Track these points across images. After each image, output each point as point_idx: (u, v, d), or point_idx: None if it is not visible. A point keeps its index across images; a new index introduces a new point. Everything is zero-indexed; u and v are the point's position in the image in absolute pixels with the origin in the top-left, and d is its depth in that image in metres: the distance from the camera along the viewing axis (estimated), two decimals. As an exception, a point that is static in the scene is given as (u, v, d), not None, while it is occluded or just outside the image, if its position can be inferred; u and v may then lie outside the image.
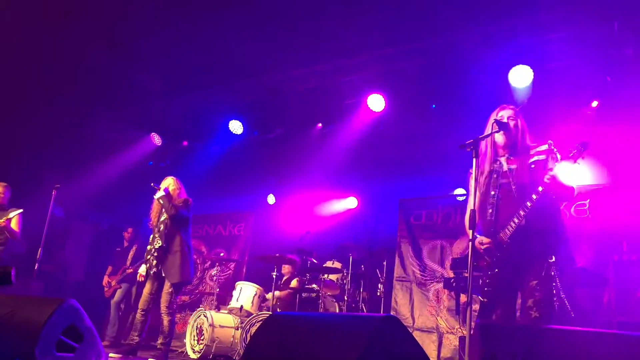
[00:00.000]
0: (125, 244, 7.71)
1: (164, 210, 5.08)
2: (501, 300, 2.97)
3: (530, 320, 2.80)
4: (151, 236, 5.18)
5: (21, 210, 5.62)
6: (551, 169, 2.88)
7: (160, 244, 5.00)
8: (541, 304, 2.81)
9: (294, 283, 6.40)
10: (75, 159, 7.59)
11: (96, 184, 7.98)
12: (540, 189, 2.88)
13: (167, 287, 4.97)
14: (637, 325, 4.67)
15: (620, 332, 2.12)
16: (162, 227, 5.08)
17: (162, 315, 4.97)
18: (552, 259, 2.88)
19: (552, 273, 2.86)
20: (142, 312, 5.00)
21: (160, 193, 5.07)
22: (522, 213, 2.92)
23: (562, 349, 1.87)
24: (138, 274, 5.31)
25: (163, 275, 4.97)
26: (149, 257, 5.07)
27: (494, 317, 2.96)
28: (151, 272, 5.00)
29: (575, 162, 2.86)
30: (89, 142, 7.67)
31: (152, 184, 5.14)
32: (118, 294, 7.43)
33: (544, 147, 3.10)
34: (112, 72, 6.51)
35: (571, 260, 5.07)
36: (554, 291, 2.88)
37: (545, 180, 2.86)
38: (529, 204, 2.91)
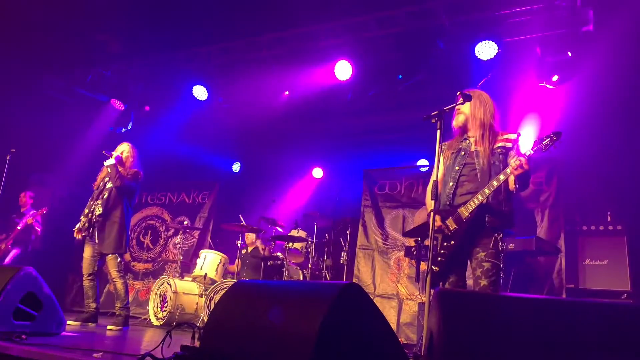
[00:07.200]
0: (22, 209, 7.16)
1: (109, 178, 4.97)
2: (454, 269, 3.09)
3: (480, 289, 2.95)
4: (90, 200, 5.03)
5: None
6: (523, 156, 2.88)
7: (100, 212, 4.88)
8: (489, 273, 2.95)
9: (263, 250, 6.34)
10: (31, 122, 7.26)
11: (55, 148, 7.69)
12: (508, 170, 2.90)
13: (111, 255, 4.88)
14: (584, 292, 4.94)
15: (571, 299, 2.26)
16: (106, 194, 4.96)
17: (114, 280, 4.91)
18: (499, 235, 3.00)
19: (500, 247, 2.99)
20: (89, 277, 4.90)
21: (110, 161, 4.93)
22: (487, 192, 2.97)
23: (516, 315, 1.96)
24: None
25: (97, 242, 4.89)
26: (83, 219, 4.93)
27: (447, 284, 3.07)
28: (87, 237, 4.89)
29: (546, 151, 2.90)
30: (46, 105, 7.34)
31: (103, 152, 5.00)
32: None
33: (513, 135, 3.14)
34: (69, 33, 6.21)
35: (528, 230, 5.27)
36: (500, 264, 3.01)
37: (514, 169, 2.86)
38: (495, 183, 2.95)
